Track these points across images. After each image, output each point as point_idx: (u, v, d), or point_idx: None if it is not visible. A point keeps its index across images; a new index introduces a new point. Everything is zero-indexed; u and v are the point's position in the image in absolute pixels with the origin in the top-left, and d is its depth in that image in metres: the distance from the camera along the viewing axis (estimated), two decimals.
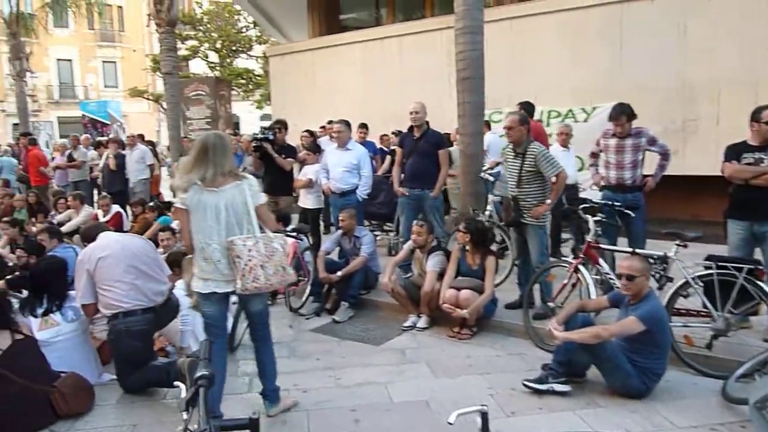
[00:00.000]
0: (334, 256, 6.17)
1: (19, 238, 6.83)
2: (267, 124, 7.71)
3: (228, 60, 27.12)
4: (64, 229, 7.34)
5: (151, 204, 8.22)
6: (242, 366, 4.43)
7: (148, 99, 31.90)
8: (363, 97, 11.53)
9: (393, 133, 8.89)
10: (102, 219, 8.08)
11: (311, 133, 9.00)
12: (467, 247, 5.11)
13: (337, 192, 6.55)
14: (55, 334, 3.92)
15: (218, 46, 26.62)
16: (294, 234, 5.88)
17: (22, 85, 17.36)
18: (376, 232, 7.60)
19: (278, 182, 7.22)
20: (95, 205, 9.90)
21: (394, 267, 5.45)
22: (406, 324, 5.25)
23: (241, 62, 28.21)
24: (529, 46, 9.64)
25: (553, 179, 4.89)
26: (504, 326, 5.07)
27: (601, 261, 4.70)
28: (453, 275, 5.14)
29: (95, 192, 11.16)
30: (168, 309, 3.97)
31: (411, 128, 6.33)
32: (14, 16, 17.07)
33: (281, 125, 7.04)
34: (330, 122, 9.22)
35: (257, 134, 6.94)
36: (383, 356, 4.62)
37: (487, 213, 6.17)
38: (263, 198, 3.47)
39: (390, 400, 3.82)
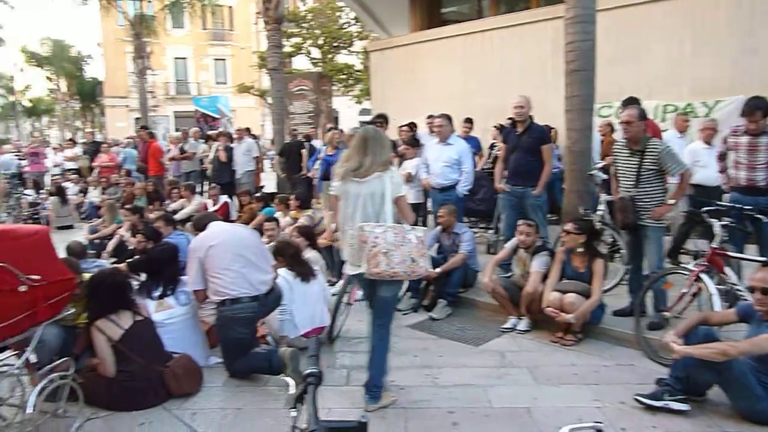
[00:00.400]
0: (432, 252, 6.08)
1: (139, 224, 7.33)
2: (366, 118, 7.78)
3: (329, 56, 27.72)
4: (177, 216, 7.80)
5: (257, 195, 8.54)
6: (340, 358, 4.47)
7: (254, 94, 33.40)
8: (463, 91, 11.32)
9: (495, 127, 8.63)
10: (211, 208, 8.52)
11: (410, 127, 8.97)
12: (578, 249, 4.83)
13: (437, 187, 6.46)
14: (169, 317, 4.15)
15: (320, 42, 27.27)
16: None
17: (143, 82, 18.72)
18: (474, 229, 7.44)
19: None
20: (204, 194, 10.48)
21: (495, 266, 5.29)
22: (506, 325, 5.07)
23: (342, 58, 28.76)
24: (644, 35, 8.99)
25: (678, 178, 4.53)
26: (612, 334, 4.76)
27: (727, 269, 4.28)
28: (557, 277, 4.90)
29: (204, 182, 11.81)
30: (272, 298, 4.07)
31: (514, 123, 6.11)
32: (138, 17, 18.42)
33: (383, 119, 7.08)
34: (430, 117, 9.13)
35: (358, 129, 6.99)
36: (482, 358, 4.49)
37: (599, 213, 5.83)
38: (403, 190, 3.58)
39: (489, 405, 3.69)
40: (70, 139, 18.76)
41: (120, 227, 8.04)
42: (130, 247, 7.47)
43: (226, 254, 3.91)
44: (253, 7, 38.14)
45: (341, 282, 6.19)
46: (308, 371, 1.51)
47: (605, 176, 6.10)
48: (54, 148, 16.35)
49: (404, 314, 5.54)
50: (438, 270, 5.61)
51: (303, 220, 6.88)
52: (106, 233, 8.33)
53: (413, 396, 3.81)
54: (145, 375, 3.61)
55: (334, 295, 4.92)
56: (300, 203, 7.10)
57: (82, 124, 50.65)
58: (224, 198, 8.81)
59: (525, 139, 5.93)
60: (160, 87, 36.56)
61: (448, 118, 6.57)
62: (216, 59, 39.68)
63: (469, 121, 8.19)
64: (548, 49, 9.76)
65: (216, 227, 4.13)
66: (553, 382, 4.00)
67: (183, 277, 4.35)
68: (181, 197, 9.04)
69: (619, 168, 4.87)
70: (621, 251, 5.66)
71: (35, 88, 52.22)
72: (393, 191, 3.47)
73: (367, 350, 3.73)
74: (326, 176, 9.05)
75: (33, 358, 3.27)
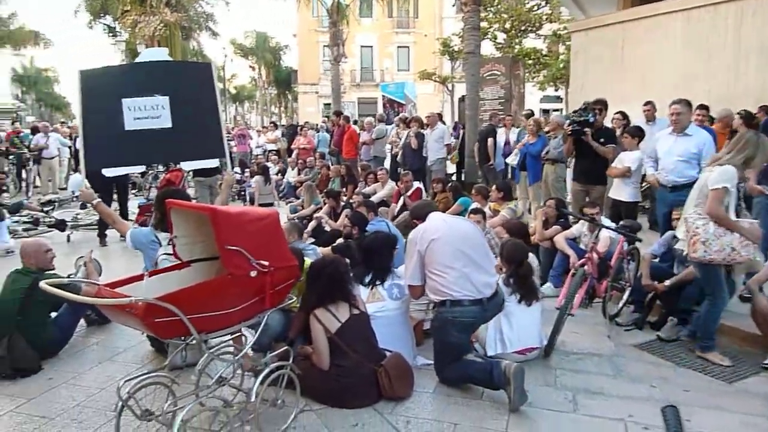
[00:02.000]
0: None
1: (338, 207, 7.43)
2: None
3: (516, 40, 26.57)
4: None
5: (450, 183, 8.22)
6: (560, 376, 3.92)
7: (435, 81, 33.44)
8: (683, 75, 9.86)
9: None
10: (403, 194, 8.38)
11: (624, 115, 7.99)
12: None
13: (668, 185, 5.54)
14: (380, 309, 3.90)
15: (507, 26, 26.24)
16: (622, 230, 5.17)
17: (337, 69, 19.47)
18: None
19: (590, 169, 6.53)
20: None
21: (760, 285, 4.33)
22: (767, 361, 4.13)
23: (528, 42, 27.42)
24: None
25: None
26: None
27: None
28: None
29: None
30: (494, 303, 3.62)
31: None
32: (335, 6, 19.16)
33: (602, 106, 6.28)
34: (648, 103, 8.04)
35: (573, 116, 6.29)
36: (740, 400, 3.64)
37: None
38: (717, 184, 3.78)
39: None
40: (272, 122, 20.24)
41: (319, 208, 8.25)
42: (327, 230, 7.62)
43: (447, 249, 3.54)
44: None
45: (548, 285, 5.64)
46: None
47: None
48: (258, 131, 17.69)
49: (626, 330, 4.84)
50: (667, 283, 4.80)
51: (504, 213, 6.39)
52: (306, 214, 8.62)
53: None
54: (359, 372, 3.41)
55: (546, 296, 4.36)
56: (503, 194, 6.59)
57: (278, 109, 55.27)
58: (417, 184, 8.61)
59: None
60: (347, 74, 38.22)
61: (688, 104, 5.57)
62: (399, 47, 40.48)
63: (704, 107, 6.96)
64: None
65: (437, 219, 3.77)
66: None
67: (396, 270, 4.12)
68: (376, 181, 9.05)
69: None
70: None
71: (240, 76, 58.22)
72: (710, 183, 3.79)
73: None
74: (523, 166, 8.47)
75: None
